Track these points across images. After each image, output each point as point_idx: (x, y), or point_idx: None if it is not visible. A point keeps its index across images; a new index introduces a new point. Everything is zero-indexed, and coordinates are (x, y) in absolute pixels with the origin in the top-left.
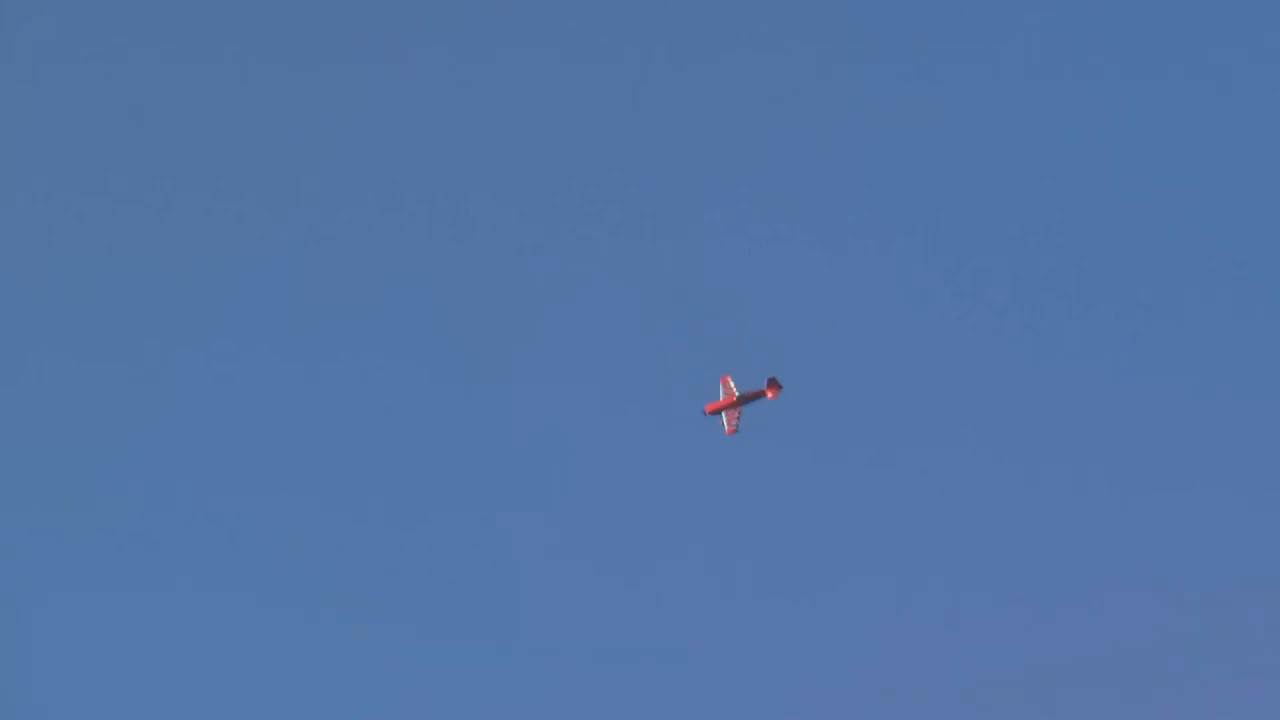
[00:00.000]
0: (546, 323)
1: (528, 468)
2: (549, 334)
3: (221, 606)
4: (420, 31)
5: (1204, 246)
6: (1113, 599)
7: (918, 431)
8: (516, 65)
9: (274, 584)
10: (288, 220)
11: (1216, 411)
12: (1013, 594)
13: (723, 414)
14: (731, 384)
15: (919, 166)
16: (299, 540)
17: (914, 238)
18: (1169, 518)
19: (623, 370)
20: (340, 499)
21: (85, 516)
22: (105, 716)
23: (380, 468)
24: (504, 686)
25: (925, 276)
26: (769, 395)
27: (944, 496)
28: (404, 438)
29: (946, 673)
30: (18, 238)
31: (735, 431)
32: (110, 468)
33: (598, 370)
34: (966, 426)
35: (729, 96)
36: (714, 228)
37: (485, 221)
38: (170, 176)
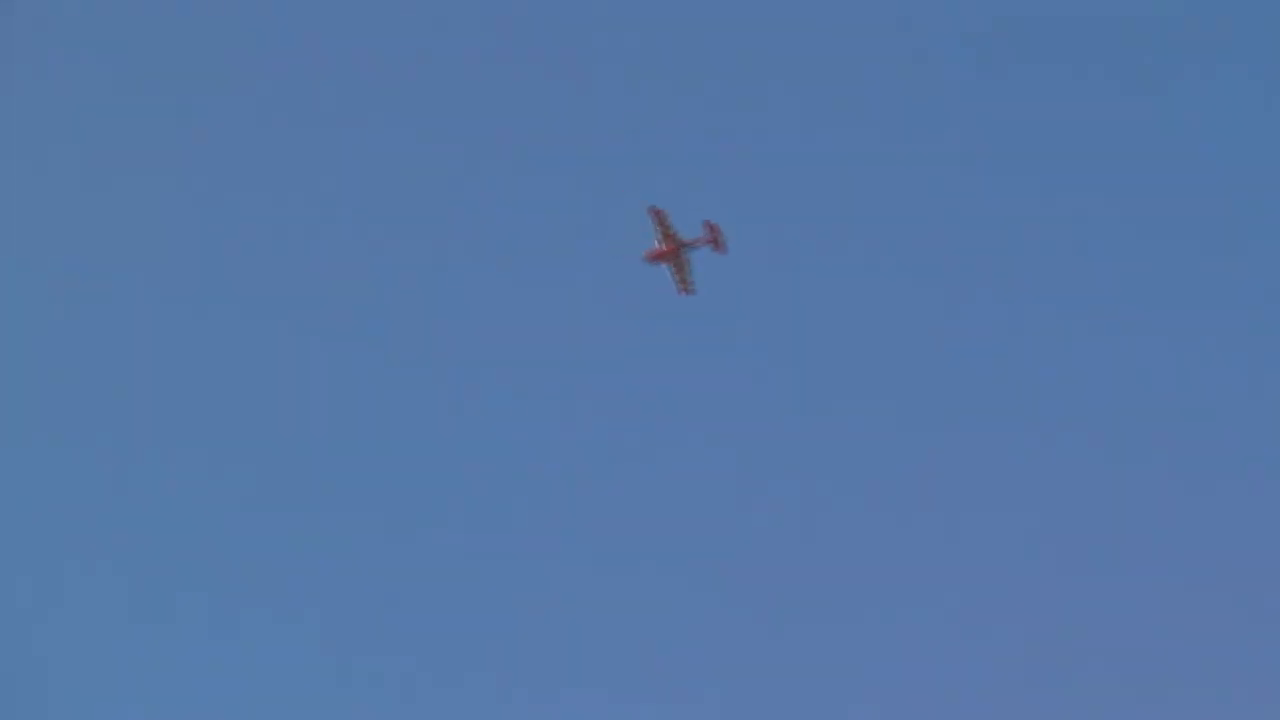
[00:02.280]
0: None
1: None
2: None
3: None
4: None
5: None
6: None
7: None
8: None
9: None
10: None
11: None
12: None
13: (667, 267)
14: (667, 224)
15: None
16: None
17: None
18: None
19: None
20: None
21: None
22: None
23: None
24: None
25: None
26: (713, 245)
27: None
28: None
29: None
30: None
31: (690, 290)
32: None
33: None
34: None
35: None
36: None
37: None
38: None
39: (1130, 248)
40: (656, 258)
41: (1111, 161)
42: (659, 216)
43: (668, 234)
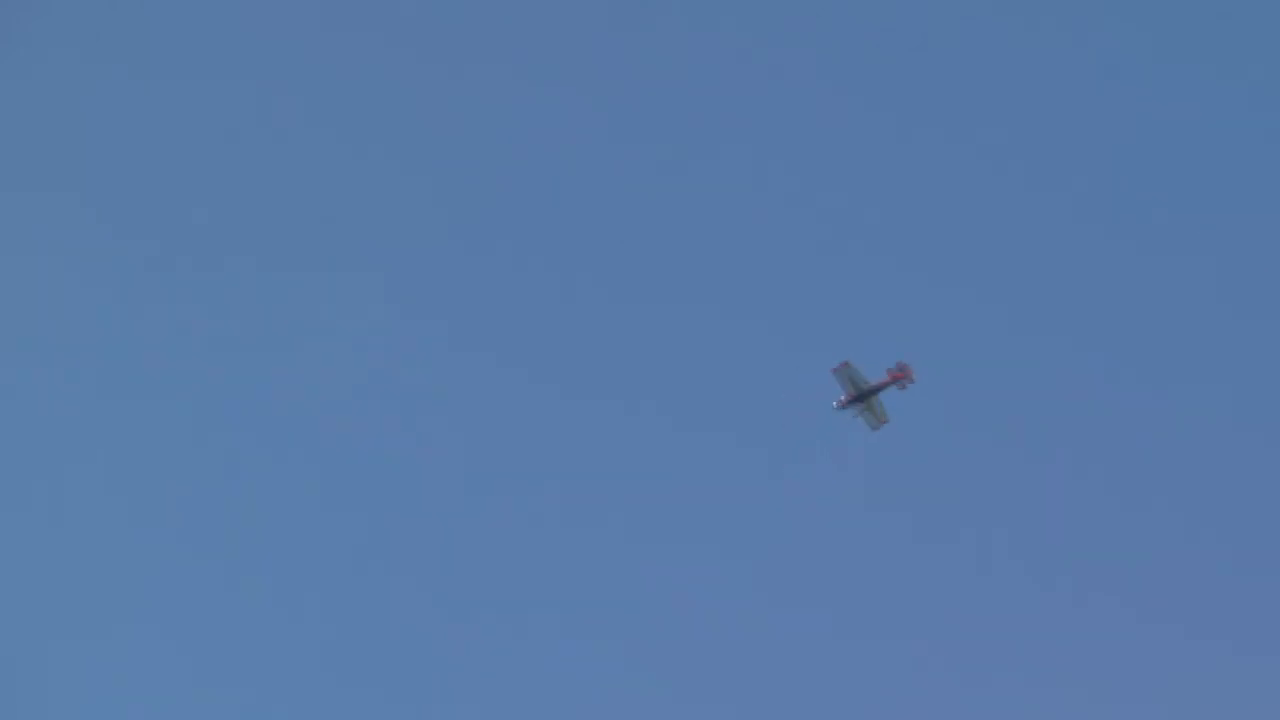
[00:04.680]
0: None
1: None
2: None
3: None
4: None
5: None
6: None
7: None
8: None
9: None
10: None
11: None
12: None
13: (855, 408)
14: (851, 371)
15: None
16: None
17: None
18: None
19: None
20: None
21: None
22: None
23: None
24: None
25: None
26: (899, 381)
27: None
28: None
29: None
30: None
31: (886, 421)
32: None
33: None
34: None
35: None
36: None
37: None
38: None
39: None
40: (846, 404)
41: None
42: (840, 375)
43: (855, 385)
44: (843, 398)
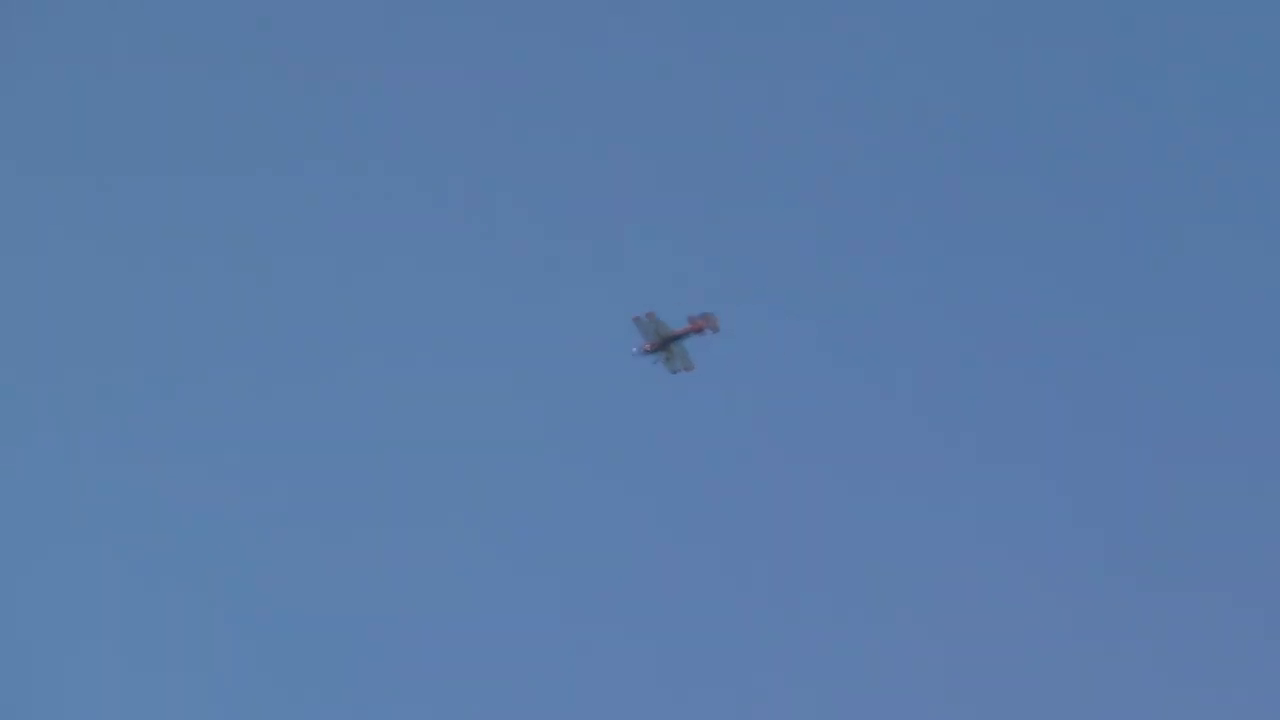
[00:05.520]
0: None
1: None
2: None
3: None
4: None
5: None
6: None
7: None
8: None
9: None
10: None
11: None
12: None
13: (657, 355)
14: (655, 321)
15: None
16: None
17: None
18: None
19: None
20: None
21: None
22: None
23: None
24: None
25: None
26: (705, 328)
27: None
28: None
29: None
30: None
31: (691, 368)
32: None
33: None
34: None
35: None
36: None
37: None
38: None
39: None
40: (649, 350)
41: None
42: (642, 324)
43: (658, 332)
44: (646, 344)
